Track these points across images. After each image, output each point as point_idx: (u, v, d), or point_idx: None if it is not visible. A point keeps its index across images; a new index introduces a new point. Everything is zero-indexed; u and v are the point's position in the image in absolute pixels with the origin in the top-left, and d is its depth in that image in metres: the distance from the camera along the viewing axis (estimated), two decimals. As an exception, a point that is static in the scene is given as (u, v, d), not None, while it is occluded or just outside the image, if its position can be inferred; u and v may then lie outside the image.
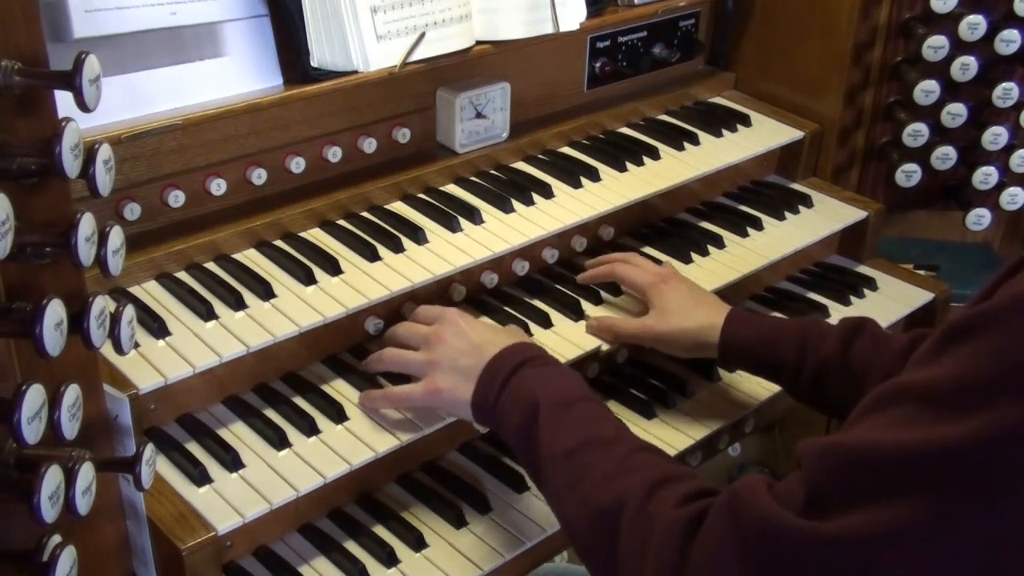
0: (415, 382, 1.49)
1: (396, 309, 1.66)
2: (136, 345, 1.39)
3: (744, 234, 2.02)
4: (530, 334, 1.67)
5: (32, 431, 0.95)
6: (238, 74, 1.63)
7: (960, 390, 0.88)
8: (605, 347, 1.72)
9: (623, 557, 1.12)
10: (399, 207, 1.81)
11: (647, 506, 1.11)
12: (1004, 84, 2.13)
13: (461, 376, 1.44)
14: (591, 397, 1.36)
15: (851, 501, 0.92)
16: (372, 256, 1.65)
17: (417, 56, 1.73)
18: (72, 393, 1.02)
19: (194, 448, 1.43)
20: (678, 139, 2.09)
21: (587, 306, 1.78)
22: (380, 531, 1.50)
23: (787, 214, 2.11)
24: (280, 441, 1.44)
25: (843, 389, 1.50)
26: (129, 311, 1.10)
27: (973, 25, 2.08)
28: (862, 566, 0.91)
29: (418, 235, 1.71)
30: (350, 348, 1.64)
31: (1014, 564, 0.89)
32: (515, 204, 1.82)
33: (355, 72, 1.69)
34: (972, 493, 0.87)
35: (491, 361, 1.41)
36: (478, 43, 1.83)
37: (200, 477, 1.38)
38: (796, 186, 2.23)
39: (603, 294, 1.81)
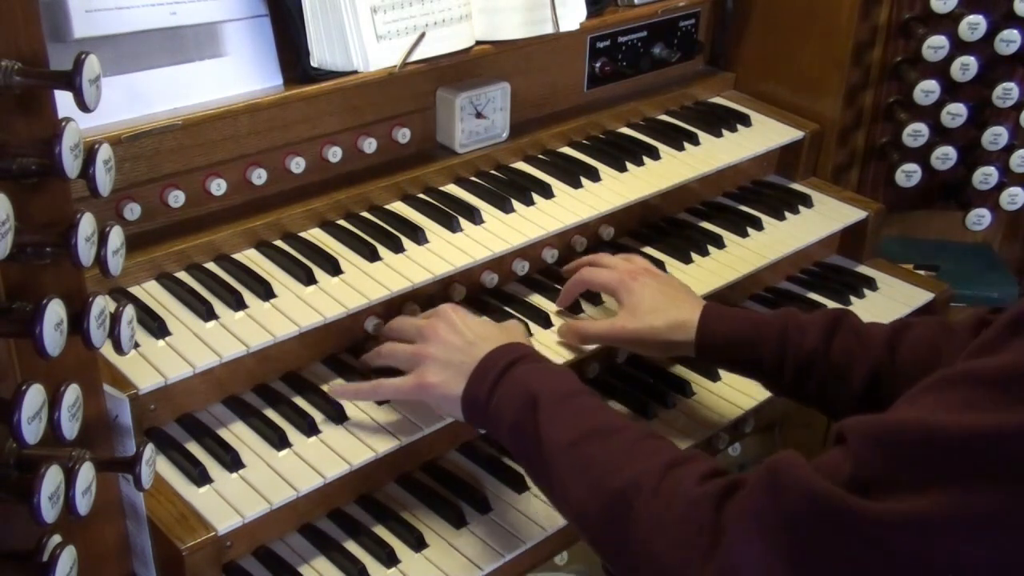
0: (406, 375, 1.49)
1: (396, 309, 1.66)
2: (136, 345, 1.39)
3: (744, 234, 2.02)
4: (530, 334, 1.67)
5: (32, 431, 0.95)
6: (238, 74, 1.63)
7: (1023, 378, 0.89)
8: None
9: (640, 537, 1.11)
10: (399, 207, 1.80)
11: (663, 486, 1.11)
12: (1004, 84, 2.13)
13: (452, 372, 1.43)
14: (589, 391, 1.36)
15: (908, 483, 0.91)
16: (372, 256, 1.65)
17: (417, 56, 1.73)
18: (72, 393, 1.02)
19: (194, 448, 1.43)
20: (678, 139, 2.09)
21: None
22: (380, 531, 1.50)
23: (787, 214, 2.10)
24: (280, 441, 1.44)
25: (826, 382, 1.49)
26: (129, 311, 1.10)
27: (973, 25, 2.08)
28: (919, 549, 0.90)
29: (418, 235, 1.71)
30: (350, 348, 1.64)
31: None
32: (515, 204, 1.82)
33: (355, 72, 1.69)
34: None
35: (484, 359, 1.41)
36: (478, 43, 1.83)
37: (200, 477, 1.38)
38: (796, 186, 2.23)
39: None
